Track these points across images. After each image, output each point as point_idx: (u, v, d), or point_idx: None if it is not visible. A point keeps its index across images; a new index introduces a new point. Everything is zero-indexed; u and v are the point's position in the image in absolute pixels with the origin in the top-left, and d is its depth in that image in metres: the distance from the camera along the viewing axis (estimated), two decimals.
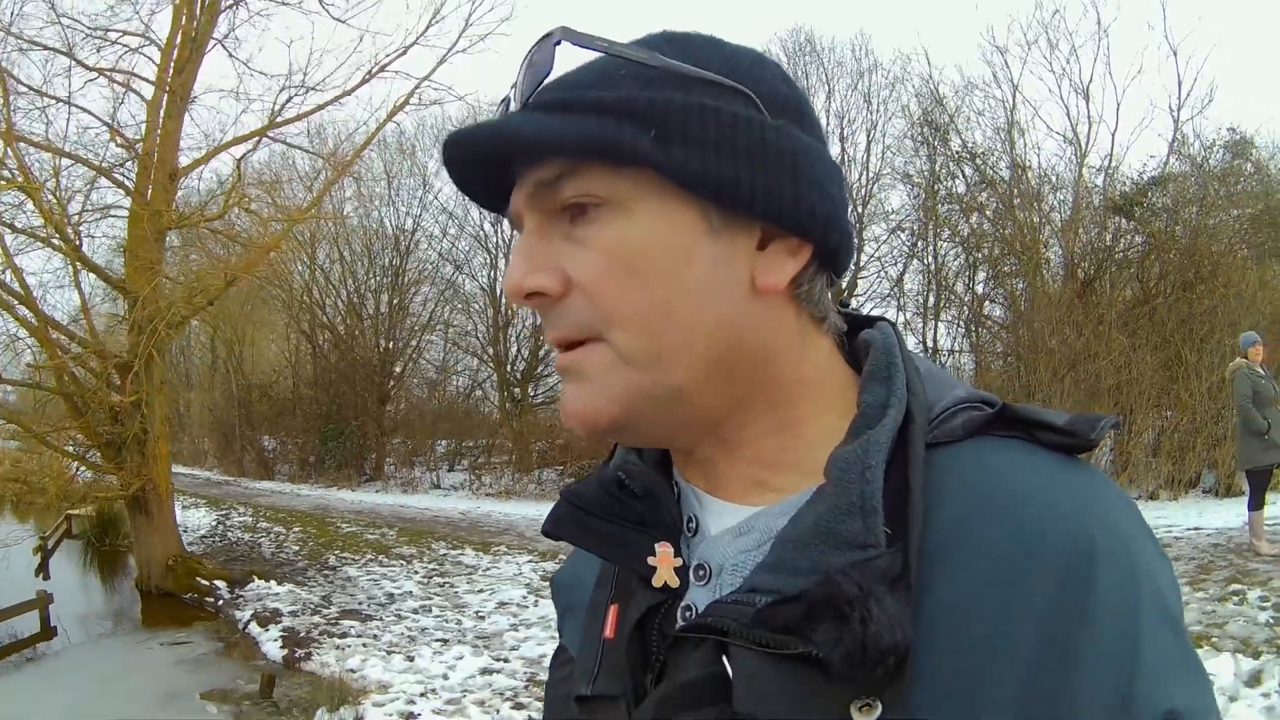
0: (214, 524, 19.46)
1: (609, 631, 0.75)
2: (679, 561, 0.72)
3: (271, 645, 10.17)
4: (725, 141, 0.65)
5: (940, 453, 0.66)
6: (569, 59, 0.69)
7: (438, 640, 9.46)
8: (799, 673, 0.58)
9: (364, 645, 9.55)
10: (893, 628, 0.55)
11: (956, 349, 20.72)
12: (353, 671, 8.52)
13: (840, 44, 23.27)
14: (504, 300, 22.33)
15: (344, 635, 10.09)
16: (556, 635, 0.90)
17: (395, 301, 27.68)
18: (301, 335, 28.89)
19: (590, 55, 0.69)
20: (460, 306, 27.62)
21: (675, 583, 0.71)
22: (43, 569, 15.87)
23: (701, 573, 0.71)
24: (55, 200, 13.11)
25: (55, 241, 13.41)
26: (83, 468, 14.64)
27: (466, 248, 27.04)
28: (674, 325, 0.66)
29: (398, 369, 28.17)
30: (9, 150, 12.53)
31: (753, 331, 0.68)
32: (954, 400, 0.70)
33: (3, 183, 12.49)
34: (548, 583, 0.77)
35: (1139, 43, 33.27)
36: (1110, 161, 17.73)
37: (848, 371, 0.74)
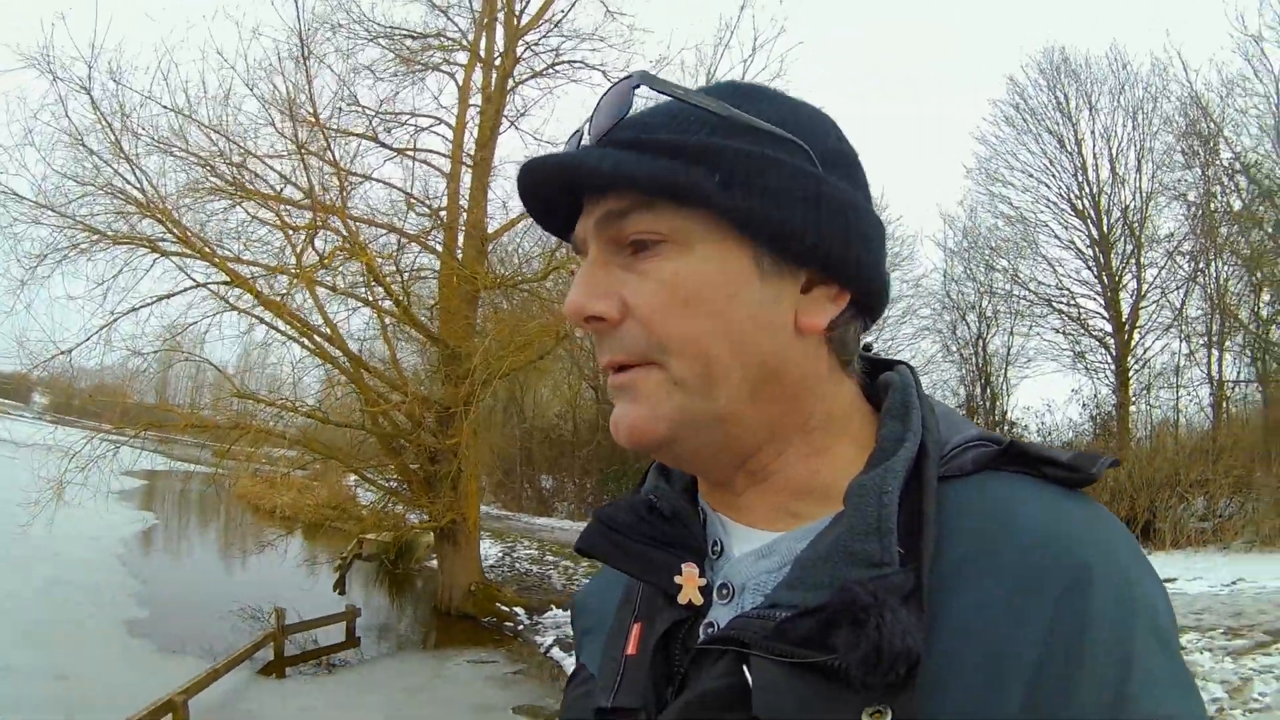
0: (501, 555, 20.71)
1: (631, 648, 0.78)
2: (704, 581, 0.76)
3: None
4: (784, 191, 0.71)
5: (952, 485, 0.71)
6: (637, 101, 0.75)
7: None
8: (815, 682, 0.62)
9: None
10: (904, 634, 0.59)
11: (1243, 379, 18.44)
12: None
13: (1095, 59, 20.74)
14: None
15: None
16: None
17: None
18: (583, 379, 30.13)
19: (661, 99, 0.75)
20: None
21: (700, 601, 0.75)
22: (339, 585, 17.54)
23: (725, 591, 0.75)
24: (386, 265, 14.73)
25: (380, 303, 15.03)
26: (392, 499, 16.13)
27: None
28: (722, 356, 0.71)
29: None
30: (343, 224, 14.35)
31: (791, 367, 0.74)
32: (965, 438, 0.75)
33: (346, 254, 14.25)
34: None
35: None
36: None
37: (869, 410, 0.80)
